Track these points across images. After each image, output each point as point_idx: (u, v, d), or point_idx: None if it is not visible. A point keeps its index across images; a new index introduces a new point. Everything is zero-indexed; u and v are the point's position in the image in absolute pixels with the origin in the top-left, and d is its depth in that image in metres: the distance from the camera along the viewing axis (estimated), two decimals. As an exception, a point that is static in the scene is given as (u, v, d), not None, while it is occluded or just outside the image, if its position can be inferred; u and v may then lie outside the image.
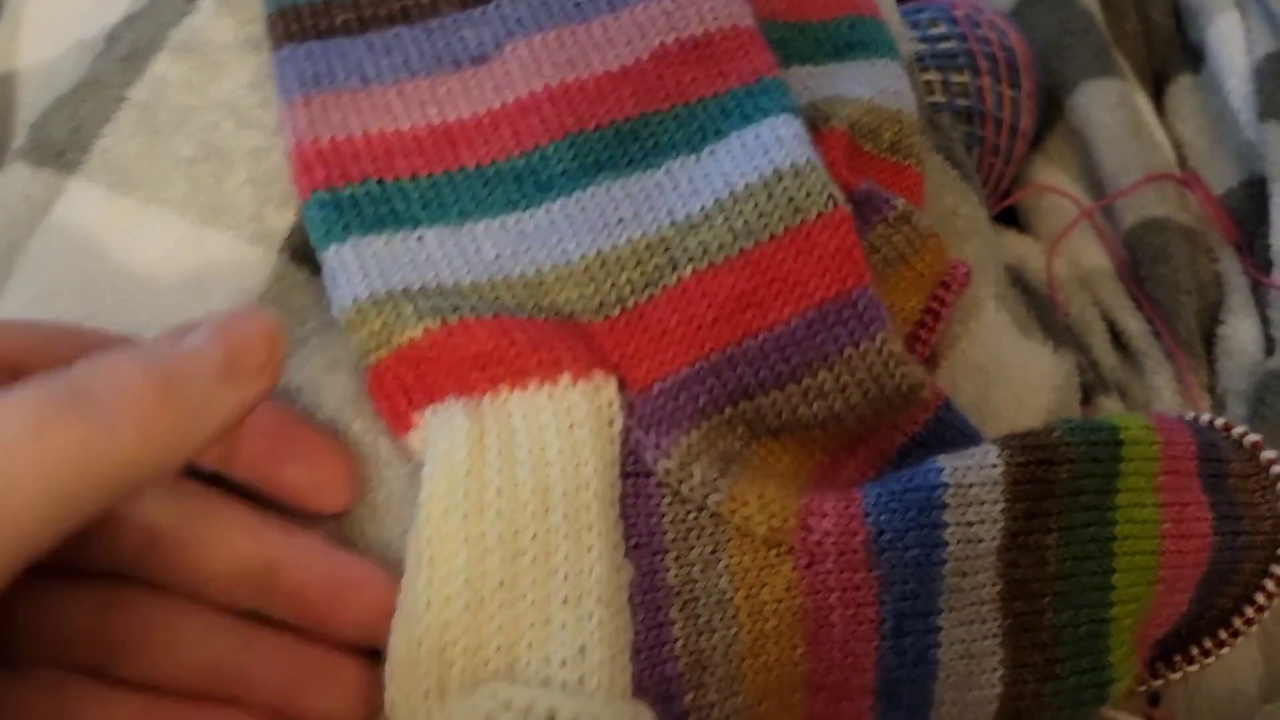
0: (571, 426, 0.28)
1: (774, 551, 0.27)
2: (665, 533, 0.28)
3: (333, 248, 0.29)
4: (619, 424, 0.28)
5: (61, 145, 0.32)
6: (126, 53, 0.34)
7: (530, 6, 0.32)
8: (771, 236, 0.29)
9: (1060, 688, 0.28)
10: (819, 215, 0.29)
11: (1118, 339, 0.47)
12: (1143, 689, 0.32)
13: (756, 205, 0.30)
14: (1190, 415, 0.33)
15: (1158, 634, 0.30)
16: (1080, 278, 0.49)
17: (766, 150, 0.30)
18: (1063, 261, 0.49)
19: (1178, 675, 0.32)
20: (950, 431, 0.31)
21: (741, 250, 0.29)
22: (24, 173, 0.32)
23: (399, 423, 0.28)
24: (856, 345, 0.29)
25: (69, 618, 0.25)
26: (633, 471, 0.28)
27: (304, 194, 0.30)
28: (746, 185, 0.30)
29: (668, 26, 0.32)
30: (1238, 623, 0.31)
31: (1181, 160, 0.53)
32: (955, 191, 0.38)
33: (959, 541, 0.27)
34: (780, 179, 0.30)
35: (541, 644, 0.26)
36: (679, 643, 0.27)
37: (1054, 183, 0.52)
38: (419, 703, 0.25)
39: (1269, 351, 0.45)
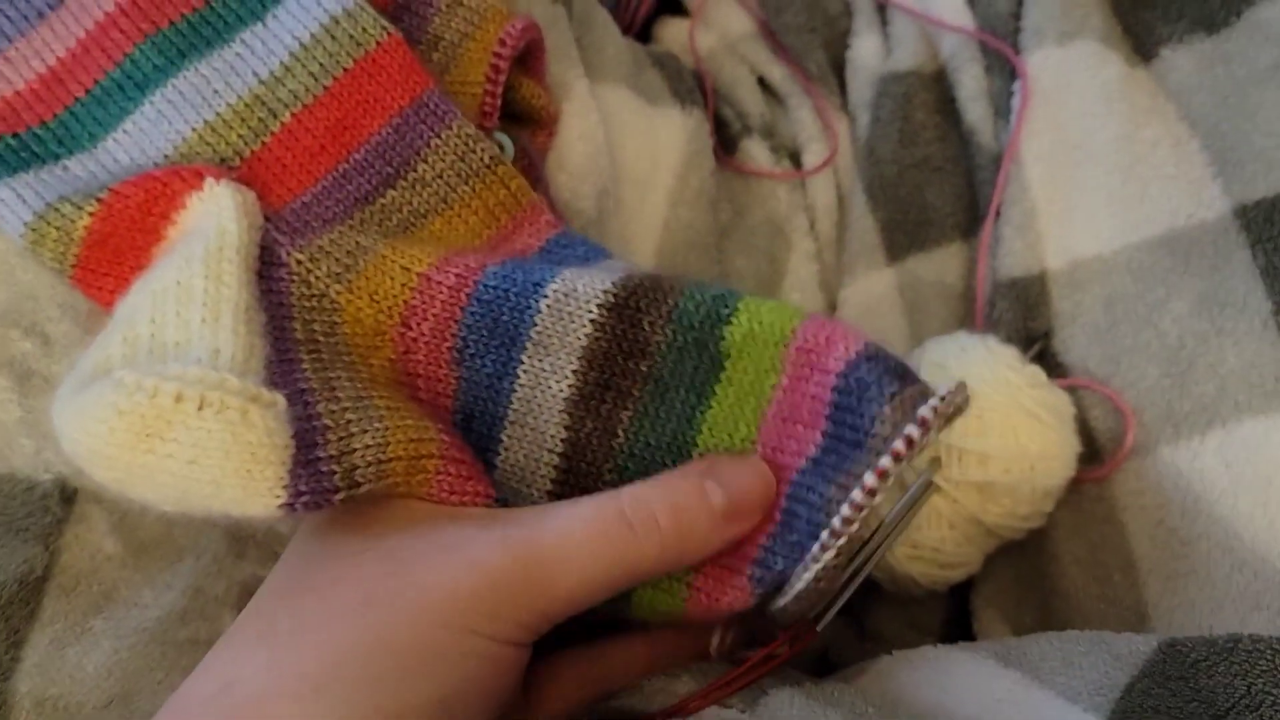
0: (220, 212, 0.32)
1: (379, 336, 0.33)
2: (293, 305, 0.33)
3: None
4: (259, 220, 0.33)
5: None
6: None
7: None
8: (345, 70, 0.35)
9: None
10: (378, 44, 0.36)
11: (770, 90, 0.52)
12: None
13: (325, 49, 0.35)
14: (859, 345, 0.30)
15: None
16: (730, 45, 0.53)
17: (320, 2, 0.36)
18: (714, 35, 0.54)
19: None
20: (578, 248, 0.36)
21: (324, 87, 0.35)
22: None
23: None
24: (438, 134, 0.36)
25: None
26: (268, 261, 0.33)
27: None
28: (312, 35, 0.36)
29: None
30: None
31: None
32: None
33: (527, 386, 0.32)
34: (338, 23, 0.36)
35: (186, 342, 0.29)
36: (308, 370, 0.31)
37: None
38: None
39: (889, 61, 0.49)
